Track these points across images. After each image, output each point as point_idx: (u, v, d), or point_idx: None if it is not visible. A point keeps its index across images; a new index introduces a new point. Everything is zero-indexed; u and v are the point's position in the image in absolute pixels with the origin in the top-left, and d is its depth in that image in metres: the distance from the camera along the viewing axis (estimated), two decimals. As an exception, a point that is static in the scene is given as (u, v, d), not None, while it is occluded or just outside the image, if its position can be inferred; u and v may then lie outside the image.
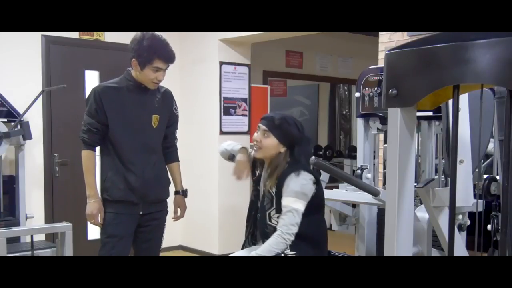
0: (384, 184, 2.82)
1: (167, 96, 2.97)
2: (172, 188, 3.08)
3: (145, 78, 2.77)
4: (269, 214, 2.56)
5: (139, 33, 2.76)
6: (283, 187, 2.49)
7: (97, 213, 2.79)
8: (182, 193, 3.11)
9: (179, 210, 3.10)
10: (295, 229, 2.44)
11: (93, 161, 2.84)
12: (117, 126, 2.78)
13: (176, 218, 3.10)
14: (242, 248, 2.76)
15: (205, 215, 5.53)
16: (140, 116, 2.82)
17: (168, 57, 2.77)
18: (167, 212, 3.01)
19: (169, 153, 3.07)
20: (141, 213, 2.85)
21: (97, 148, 2.90)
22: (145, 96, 2.84)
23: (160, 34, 2.77)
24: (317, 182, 2.54)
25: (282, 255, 2.45)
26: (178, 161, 3.12)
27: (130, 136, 2.80)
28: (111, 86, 2.82)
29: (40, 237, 4.03)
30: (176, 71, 5.59)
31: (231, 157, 2.84)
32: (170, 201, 3.03)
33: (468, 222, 2.39)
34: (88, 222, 2.85)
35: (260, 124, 2.61)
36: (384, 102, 1.61)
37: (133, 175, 2.79)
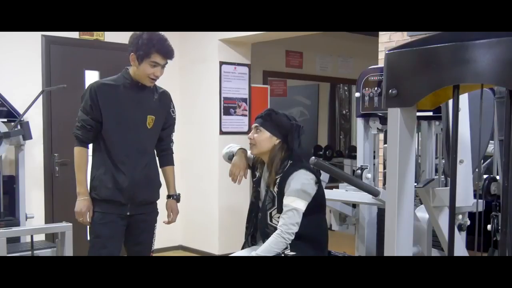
0: (384, 184, 2.82)
1: (165, 97, 2.94)
2: (165, 192, 3.04)
3: (142, 73, 2.74)
4: (270, 214, 2.56)
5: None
6: (284, 187, 2.50)
7: (86, 211, 2.76)
8: (174, 198, 3.05)
9: (171, 215, 3.04)
10: (295, 229, 2.45)
11: (85, 158, 2.82)
12: (111, 124, 2.75)
13: (168, 222, 3.04)
14: (242, 249, 2.76)
15: (205, 215, 5.53)
16: (135, 116, 2.79)
17: (166, 51, 2.74)
18: (157, 214, 2.96)
19: (164, 156, 3.03)
20: (128, 214, 2.81)
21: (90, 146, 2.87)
22: (141, 95, 2.81)
23: (159, 32, 2.76)
24: (318, 182, 2.55)
25: (282, 255, 2.45)
26: (173, 165, 3.07)
27: (123, 135, 2.77)
28: (108, 83, 2.79)
29: (40, 237, 4.03)
30: (176, 71, 5.59)
31: (230, 157, 2.85)
32: (161, 203, 3.00)
33: (468, 222, 2.39)
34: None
35: (253, 124, 2.68)
36: (384, 102, 1.61)
37: (122, 175, 2.75)
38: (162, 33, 2.77)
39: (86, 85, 4.92)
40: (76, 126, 2.79)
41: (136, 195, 2.80)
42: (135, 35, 2.73)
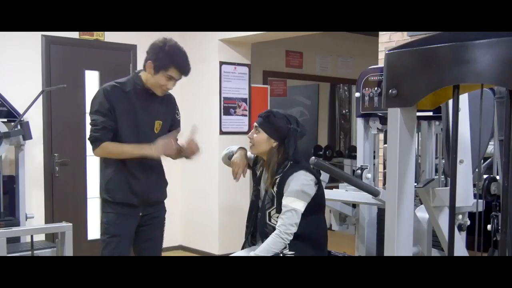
0: (384, 184, 2.82)
1: (171, 102, 2.99)
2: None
3: (156, 83, 2.77)
4: (269, 213, 2.57)
5: (161, 38, 2.78)
6: (284, 187, 2.50)
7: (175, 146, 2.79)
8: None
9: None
10: (293, 229, 2.45)
11: (115, 144, 2.75)
12: (123, 128, 2.77)
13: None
14: (242, 248, 2.76)
15: (205, 215, 5.53)
16: (144, 121, 2.82)
17: (184, 69, 2.82)
18: (165, 211, 3.02)
19: None
20: (141, 214, 2.87)
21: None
22: (149, 101, 2.84)
23: (181, 46, 2.82)
24: (318, 183, 2.55)
25: (281, 255, 2.45)
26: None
27: (134, 139, 2.79)
28: (120, 88, 2.80)
29: (40, 237, 4.03)
30: (176, 71, 5.58)
31: (230, 157, 2.85)
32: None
33: (468, 222, 2.39)
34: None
35: (254, 123, 2.69)
36: (384, 102, 1.61)
37: (135, 178, 2.79)
38: (179, 44, 2.80)
39: (86, 85, 5.01)
40: (94, 129, 2.74)
41: (149, 197, 2.87)
42: (157, 45, 2.75)
